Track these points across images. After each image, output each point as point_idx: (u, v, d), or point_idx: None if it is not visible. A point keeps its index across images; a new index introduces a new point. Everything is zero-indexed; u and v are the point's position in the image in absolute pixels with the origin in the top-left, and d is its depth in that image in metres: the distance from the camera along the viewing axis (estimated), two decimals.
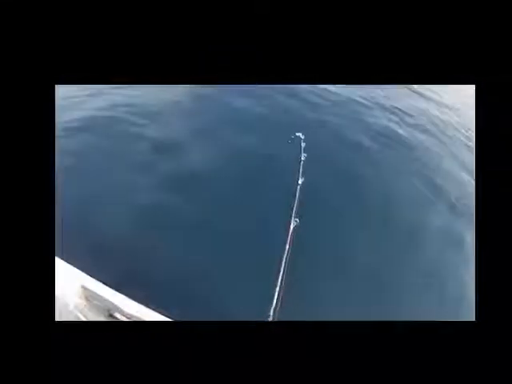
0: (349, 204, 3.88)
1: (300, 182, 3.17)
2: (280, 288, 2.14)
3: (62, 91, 4.81)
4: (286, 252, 2.38)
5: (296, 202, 2.92)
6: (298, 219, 2.67)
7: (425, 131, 5.94)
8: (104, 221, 3.31)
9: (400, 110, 6.45)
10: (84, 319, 2.18)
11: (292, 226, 2.62)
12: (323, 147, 4.53)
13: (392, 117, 6.13)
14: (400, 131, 5.68)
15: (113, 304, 2.18)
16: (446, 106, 7.43)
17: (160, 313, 2.09)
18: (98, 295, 2.20)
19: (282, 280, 2.18)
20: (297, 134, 3.72)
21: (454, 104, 7.60)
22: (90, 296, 2.23)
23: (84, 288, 2.23)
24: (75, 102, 5.17)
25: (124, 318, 2.17)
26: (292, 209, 2.83)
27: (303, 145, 3.61)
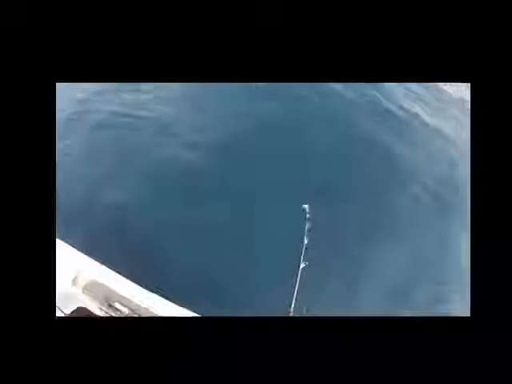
0: None
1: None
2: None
3: None
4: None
5: None
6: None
7: None
8: None
9: None
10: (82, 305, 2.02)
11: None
12: None
13: None
14: None
15: (113, 292, 1.99)
16: None
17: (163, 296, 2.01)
18: (97, 282, 2.02)
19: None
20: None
21: None
22: (87, 284, 2.05)
23: (80, 274, 2.04)
24: None
25: (125, 309, 1.98)
26: None
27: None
